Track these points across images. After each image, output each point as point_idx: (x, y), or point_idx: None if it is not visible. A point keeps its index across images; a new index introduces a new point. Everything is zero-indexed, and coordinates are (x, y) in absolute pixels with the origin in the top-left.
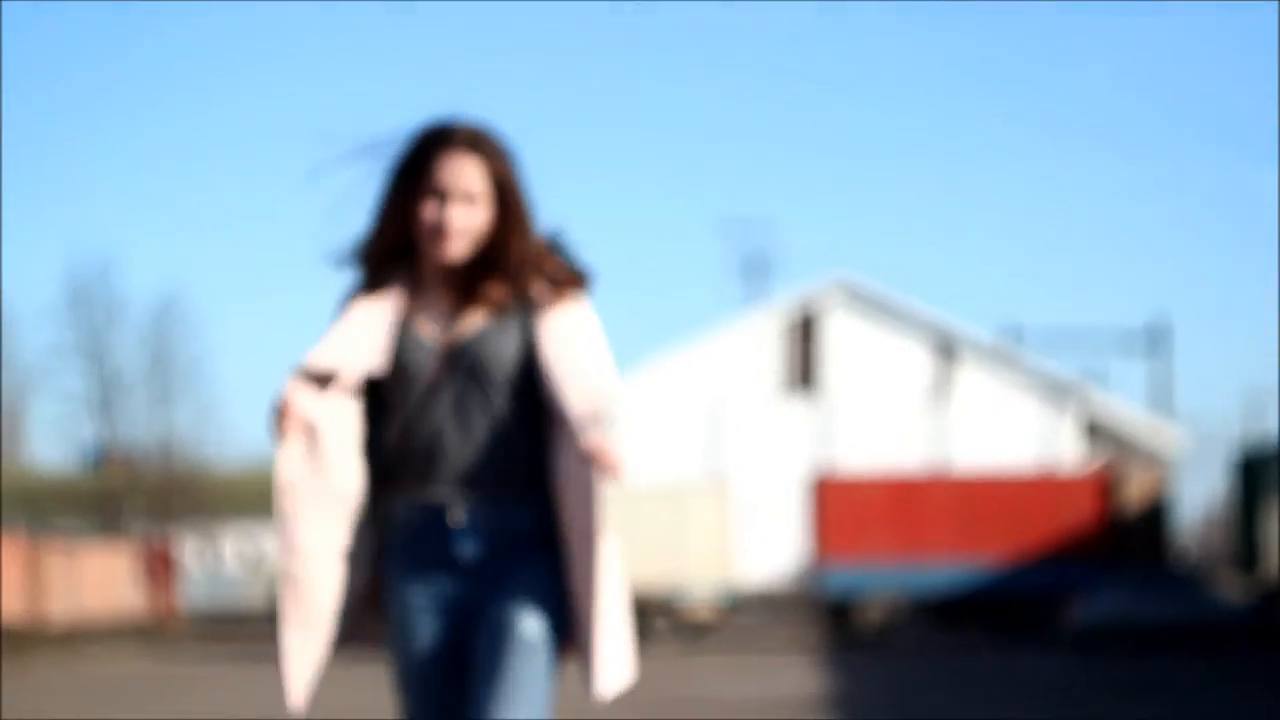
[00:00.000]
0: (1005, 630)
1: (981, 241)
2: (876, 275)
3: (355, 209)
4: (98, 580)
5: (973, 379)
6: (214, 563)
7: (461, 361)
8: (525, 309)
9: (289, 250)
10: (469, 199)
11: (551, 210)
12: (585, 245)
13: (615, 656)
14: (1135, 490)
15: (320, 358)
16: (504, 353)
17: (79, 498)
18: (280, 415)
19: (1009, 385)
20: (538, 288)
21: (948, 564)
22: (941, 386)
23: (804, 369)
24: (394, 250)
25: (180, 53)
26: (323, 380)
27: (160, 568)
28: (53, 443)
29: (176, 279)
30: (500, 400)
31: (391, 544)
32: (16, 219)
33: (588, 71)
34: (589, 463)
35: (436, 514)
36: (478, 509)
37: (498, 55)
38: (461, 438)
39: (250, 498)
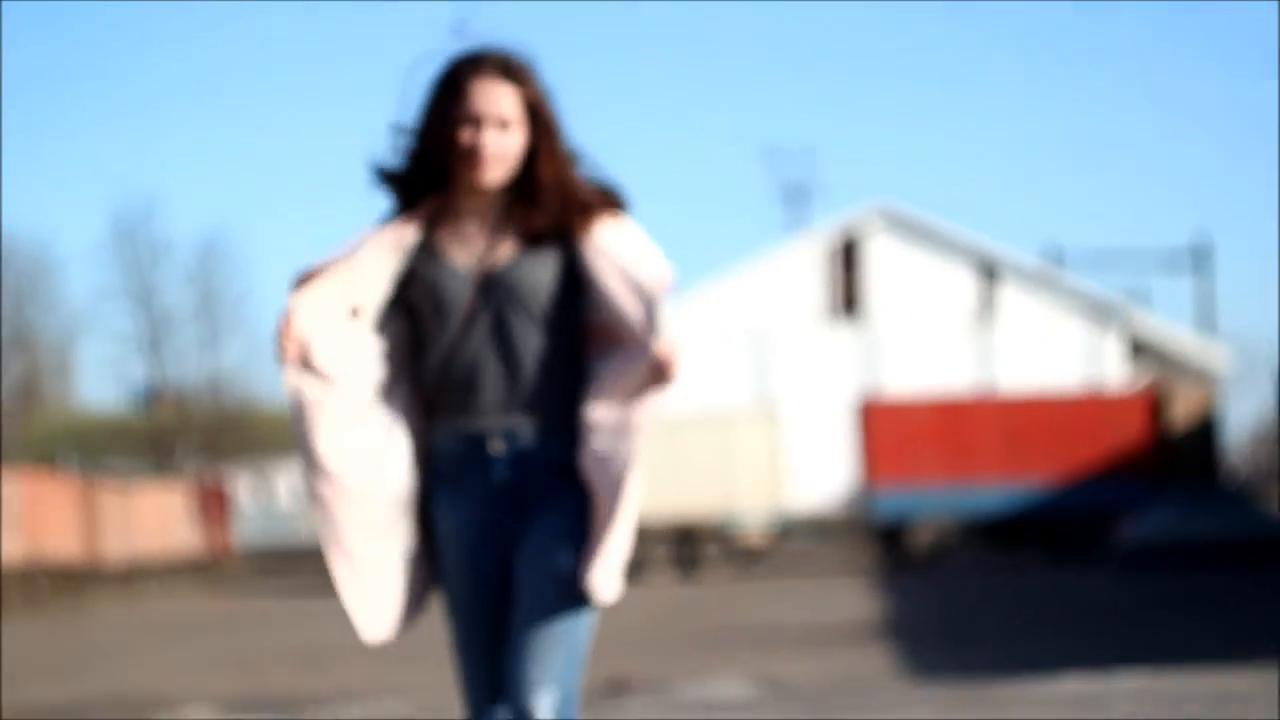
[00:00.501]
0: (1055, 550)
1: (1022, 166)
2: (918, 201)
3: (398, 136)
4: (152, 519)
5: (1016, 301)
6: (267, 499)
7: (497, 290)
8: (562, 235)
9: (332, 183)
10: (503, 124)
11: (592, 139)
12: (627, 174)
13: (612, 571)
14: (1182, 409)
15: (315, 265)
16: (541, 281)
17: (131, 437)
18: (281, 336)
19: (1053, 306)
20: (574, 213)
21: (996, 485)
22: (985, 309)
23: (848, 295)
24: (428, 177)
25: None
26: (338, 307)
27: (214, 505)
28: (103, 383)
29: (221, 217)
30: (537, 329)
31: (436, 472)
32: (62, 160)
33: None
34: (629, 398)
35: (476, 442)
36: (516, 438)
37: None
38: (499, 367)
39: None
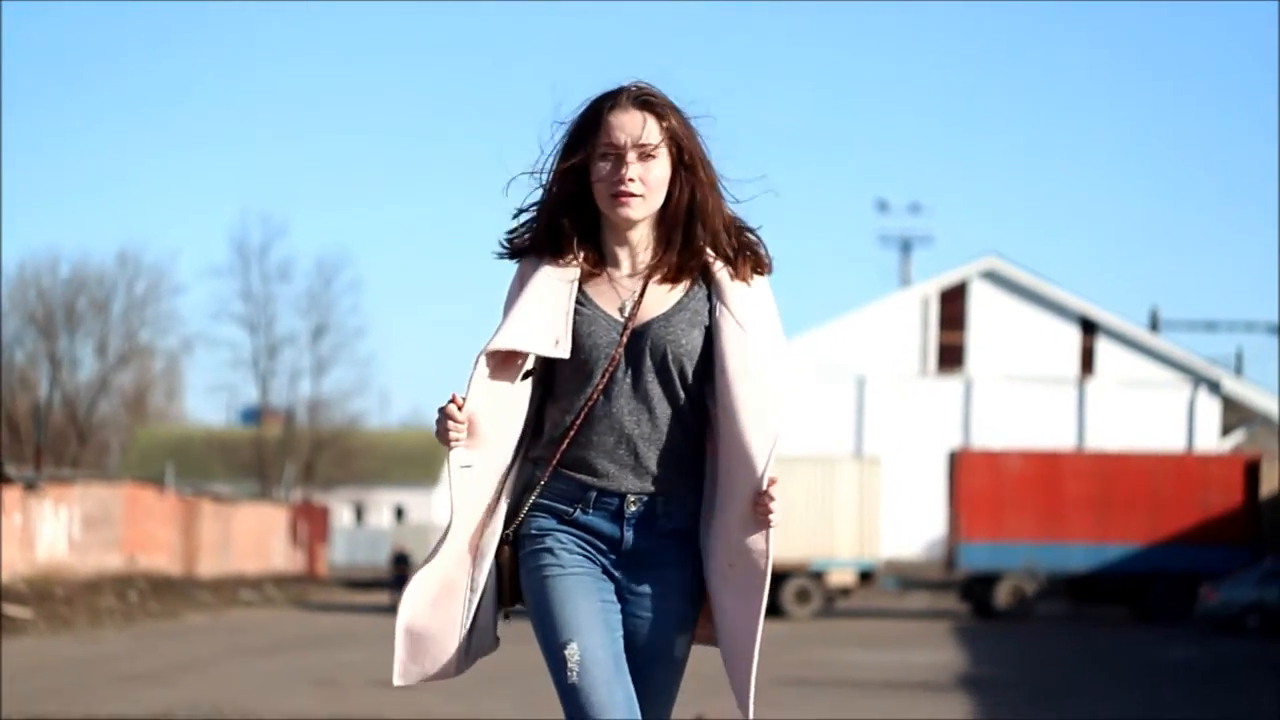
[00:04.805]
0: (1140, 610)
1: (1125, 232)
2: (1022, 260)
3: (539, 179)
4: (250, 536)
5: (1115, 361)
6: (362, 521)
7: (644, 343)
8: (707, 284)
9: (451, 224)
10: (643, 154)
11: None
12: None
13: (753, 687)
14: (1278, 476)
15: (504, 342)
16: (689, 338)
17: (235, 455)
18: (448, 417)
19: (1151, 368)
20: (721, 262)
21: (1085, 541)
22: (1084, 368)
23: (949, 347)
24: (570, 224)
25: (360, 22)
26: (506, 360)
27: (312, 524)
28: (212, 401)
29: (342, 245)
30: (680, 389)
31: (548, 511)
32: (185, 179)
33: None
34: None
35: (606, 499)
36: (648, 501)
37: (658, 30)
38: (639, 425)
39: (400, 461)
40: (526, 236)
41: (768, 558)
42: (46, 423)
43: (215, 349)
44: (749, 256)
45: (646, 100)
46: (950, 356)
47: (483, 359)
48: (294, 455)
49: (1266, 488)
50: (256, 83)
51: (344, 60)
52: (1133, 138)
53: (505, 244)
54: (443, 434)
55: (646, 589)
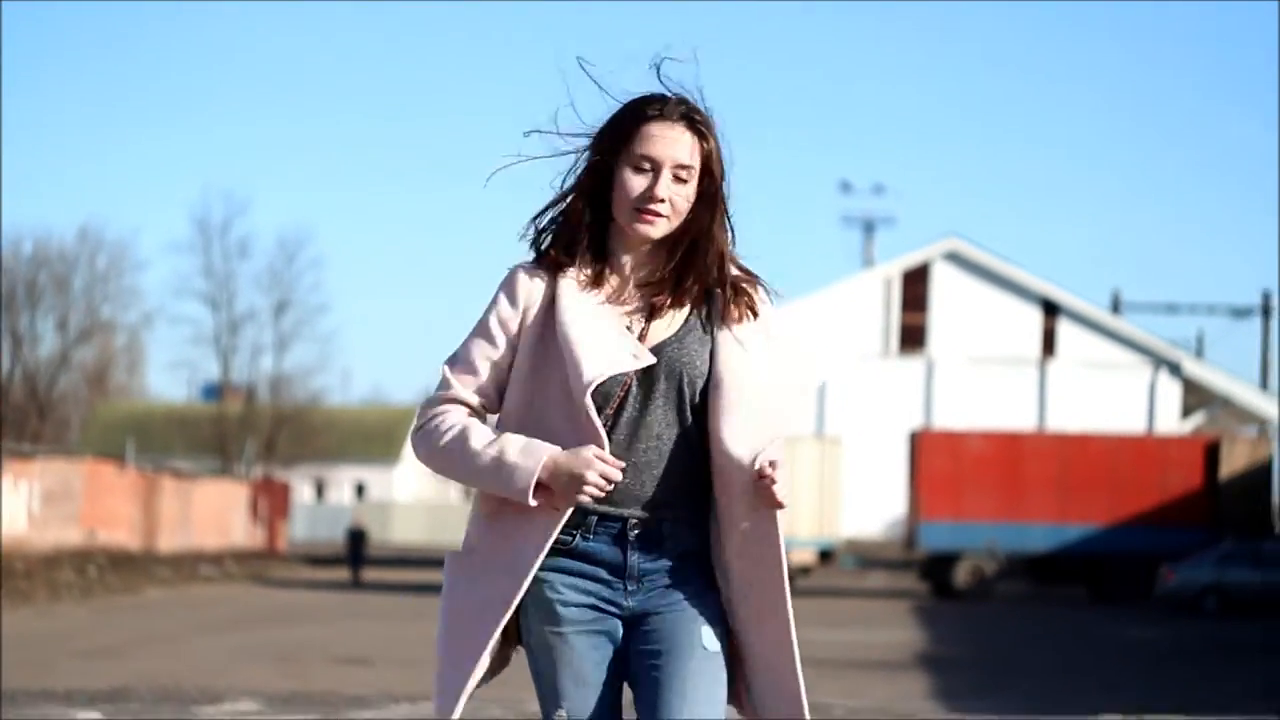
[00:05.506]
0: (1099, 591)
1: (1088, 216)
2: (983, 241)
3: (544, 189)
4: (210, 512)
5: (1076, 343)
6: (324, 499)
7: (659, 366)
8: (709, 308)
9: (413, 203)
10: (680, 174)
11: None
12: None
13: (802, 687)
14: (1237, 458)
15: (598, 371)
16: (698, 361)
17: (195, 431)
18: (598, 479)
19: (1112, 350)
20: (724, 289)
21: (1045, 521)
22: (1045, 350)
23: (911, 329)
24: (587, 230)
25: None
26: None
27: (272, 501)
28: (173, 377)
29: (303, 223)
30: (689, 410)
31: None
32: (147, 155)
33: (716, 31)
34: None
35: (609, 523)
36: (657, 525)
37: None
38: (649, 449)
39: (361, 438)
40: (548, 238)
41: (780, 549)
42: (7, 398)
43: (177, 325)
44: (749, 283)
45: (692, 118)
46: (912, 337)
47: (587, 399)
48: (255, 432)
49: (1226, 470)
50: (218, 60)
51: (305, 39)
52: (1096, 121)
53: (534, 240)
54: (589, 490)
55: (660, 603)
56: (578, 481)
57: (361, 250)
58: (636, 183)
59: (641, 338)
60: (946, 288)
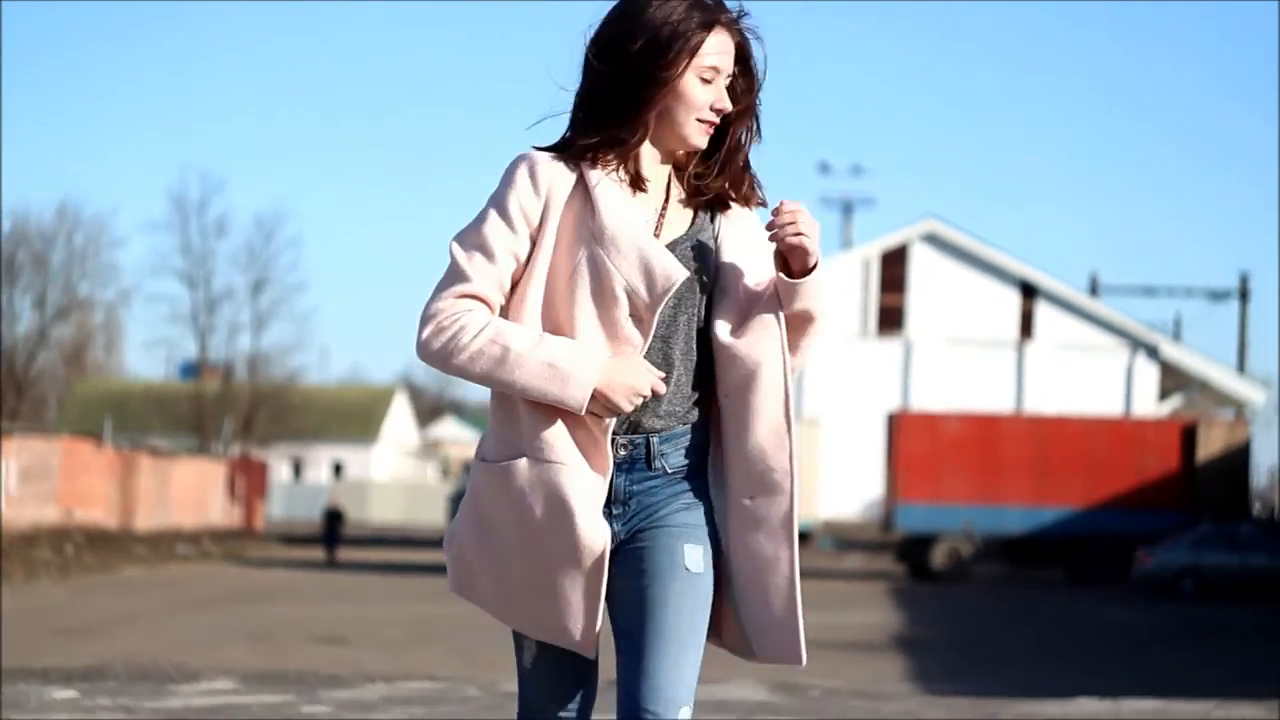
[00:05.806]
0: (1077, 573)
1: (1067, 199)
2: (963, 223)
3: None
4: (188, 490)
5: (1054, 325)
6: (301, 478)
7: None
8: (712, 209)
9: (390, 182)
10: (729, 83)
11: None
12: None
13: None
14: (1215, 440)
15: (673, 277)
16: (710, 259)
17: (173, 409)
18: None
19: (1090, 333)
20: (739, 189)
21: (1023, 503)
22: (1023, 332)
23: (889, 310)
24: (645, 130)
25: None
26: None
27: (250, 479)
28: (151, 355)
29: (281, 200)
30: (697, 314)
31: None
32: (125, 132)
33: None
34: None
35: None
36: (640, 443)
37: None
38: (664, 355)
39: (338, 417)
40: (594, 133)
41: (792, 477)
42: None
43: (154, 304)
44: (752, 185)
45: (744, 28)
46: (890, 318)
47: (658, 310)
48: (232, 410)
49: (1203, 452)
50: (196, 40)
51: (283, 20)
52: (1075, 104)
53: (580, 127)
54: (635, 403)
55: (644, 523)
56: (632, 393)
57: (339, 229)
58: (704, 94)
59: (664, 239)
60: (925, 269)
